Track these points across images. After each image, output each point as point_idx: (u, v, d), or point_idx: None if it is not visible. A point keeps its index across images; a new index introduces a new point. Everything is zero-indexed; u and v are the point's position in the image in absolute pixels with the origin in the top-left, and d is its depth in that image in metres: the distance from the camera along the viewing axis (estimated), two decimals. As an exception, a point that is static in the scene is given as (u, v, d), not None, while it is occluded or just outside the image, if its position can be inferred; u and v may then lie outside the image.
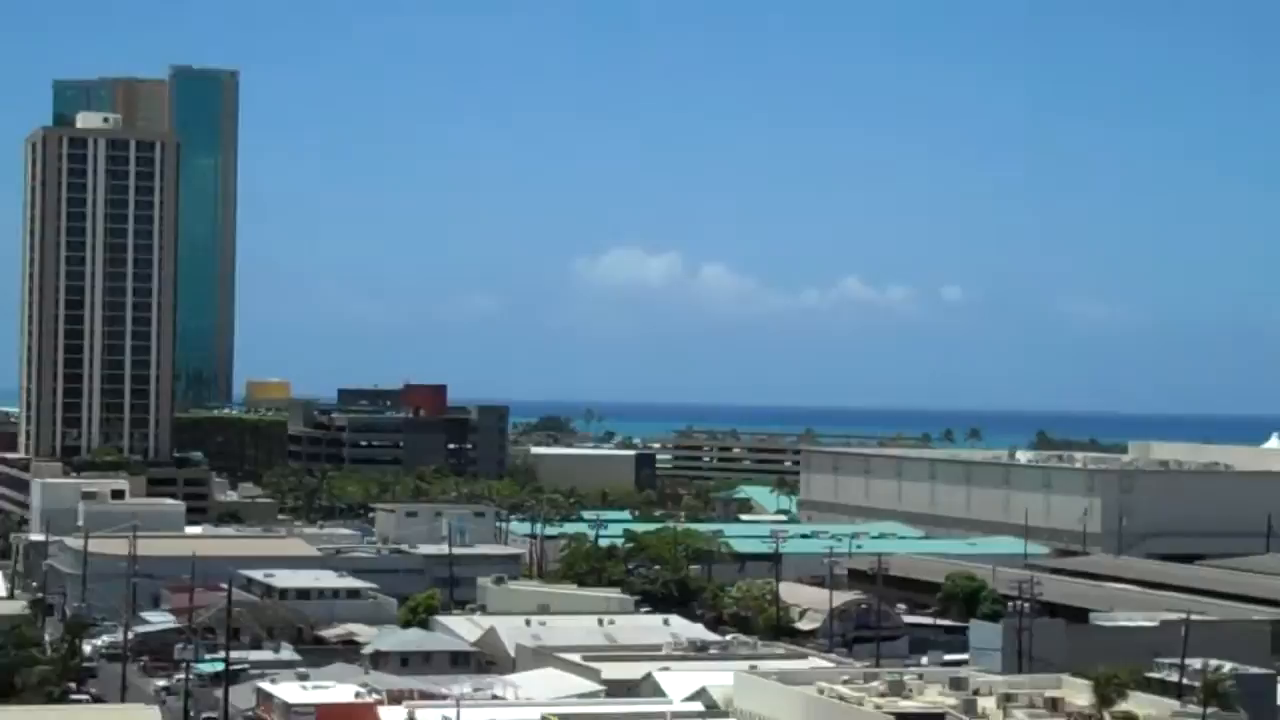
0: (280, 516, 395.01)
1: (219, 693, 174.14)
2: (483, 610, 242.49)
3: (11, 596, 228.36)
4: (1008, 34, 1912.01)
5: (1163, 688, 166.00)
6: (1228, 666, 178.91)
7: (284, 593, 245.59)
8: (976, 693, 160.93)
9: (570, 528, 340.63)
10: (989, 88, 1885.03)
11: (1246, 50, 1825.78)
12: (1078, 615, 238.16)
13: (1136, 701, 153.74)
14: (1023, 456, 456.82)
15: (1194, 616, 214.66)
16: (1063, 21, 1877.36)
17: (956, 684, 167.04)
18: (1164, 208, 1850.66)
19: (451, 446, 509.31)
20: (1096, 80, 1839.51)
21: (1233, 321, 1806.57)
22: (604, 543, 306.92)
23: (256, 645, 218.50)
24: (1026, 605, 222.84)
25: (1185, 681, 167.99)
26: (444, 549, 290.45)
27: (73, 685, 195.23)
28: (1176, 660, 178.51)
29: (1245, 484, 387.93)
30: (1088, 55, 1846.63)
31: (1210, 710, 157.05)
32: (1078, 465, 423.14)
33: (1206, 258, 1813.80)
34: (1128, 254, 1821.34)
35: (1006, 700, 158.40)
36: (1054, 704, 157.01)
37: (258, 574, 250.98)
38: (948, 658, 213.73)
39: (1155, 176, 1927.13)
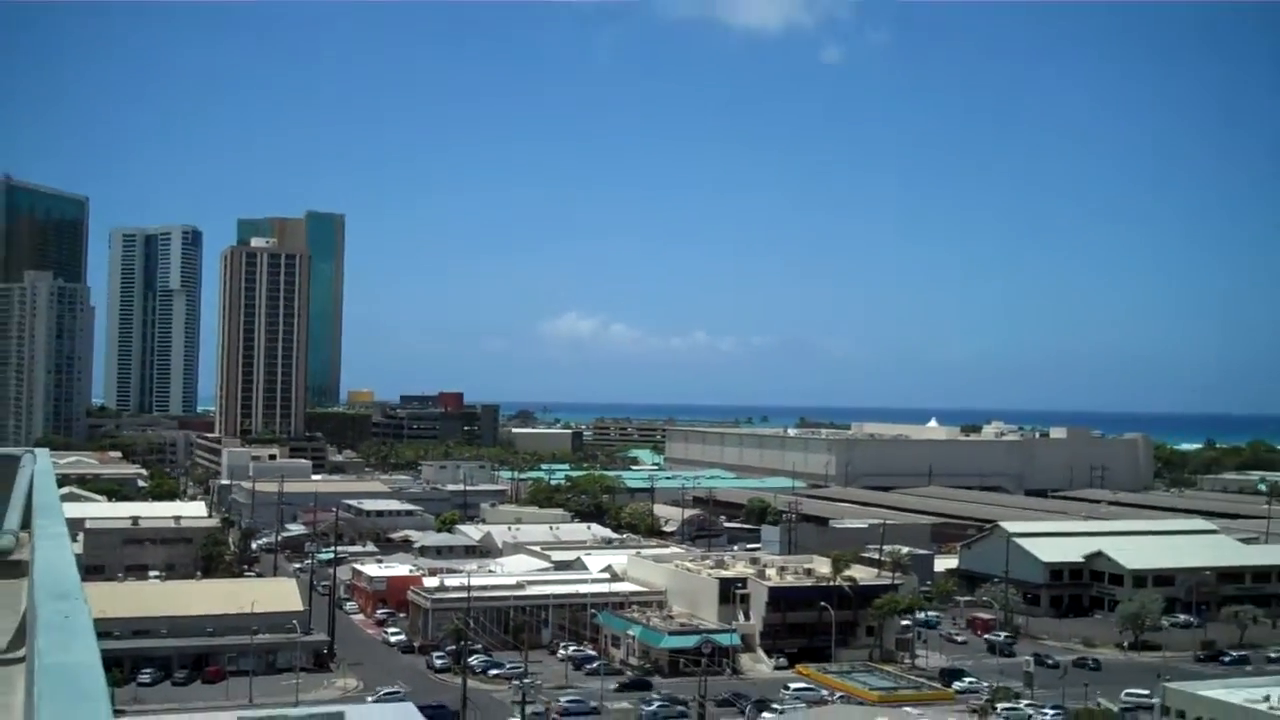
0: (366, 470, 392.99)
1: (330, 570, 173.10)
2: (483, 522, 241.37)
3: (210, 516, 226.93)
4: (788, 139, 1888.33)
5: (871, 562, 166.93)
6: (905, 549, 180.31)
7: (368, 513, 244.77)
8: (765, 565, 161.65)
9: (534, 474, 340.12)
10: (765, 194, 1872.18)
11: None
12: (822, 521, 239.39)
13: (856, 570, 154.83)
14: (792, 432, 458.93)
15: (887, 521, 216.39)
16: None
17: (754, 561, 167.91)
18: (874, 278, 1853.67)
19: (466, 428, 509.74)
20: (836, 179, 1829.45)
21: (914, 352, 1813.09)
22: (554, 482, 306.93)
23: (352, 543, 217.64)
24: (793, 515, 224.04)
25: (882, 558, 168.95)
26: (461, 487, 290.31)
27: (245, 567, 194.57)
28: (878, 546, 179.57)
29: (916, 445, 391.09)
30: (841, 151, 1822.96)
31: (896, 574, 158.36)
32: (823, 436, 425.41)
33: (894, 311, 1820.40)
34: (863, 309, 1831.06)
35: (781, 569, 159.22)
36: (809, 572, 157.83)
37: (353, 502, 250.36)
38: (749, 546, 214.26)
39: (871, 264, 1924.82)
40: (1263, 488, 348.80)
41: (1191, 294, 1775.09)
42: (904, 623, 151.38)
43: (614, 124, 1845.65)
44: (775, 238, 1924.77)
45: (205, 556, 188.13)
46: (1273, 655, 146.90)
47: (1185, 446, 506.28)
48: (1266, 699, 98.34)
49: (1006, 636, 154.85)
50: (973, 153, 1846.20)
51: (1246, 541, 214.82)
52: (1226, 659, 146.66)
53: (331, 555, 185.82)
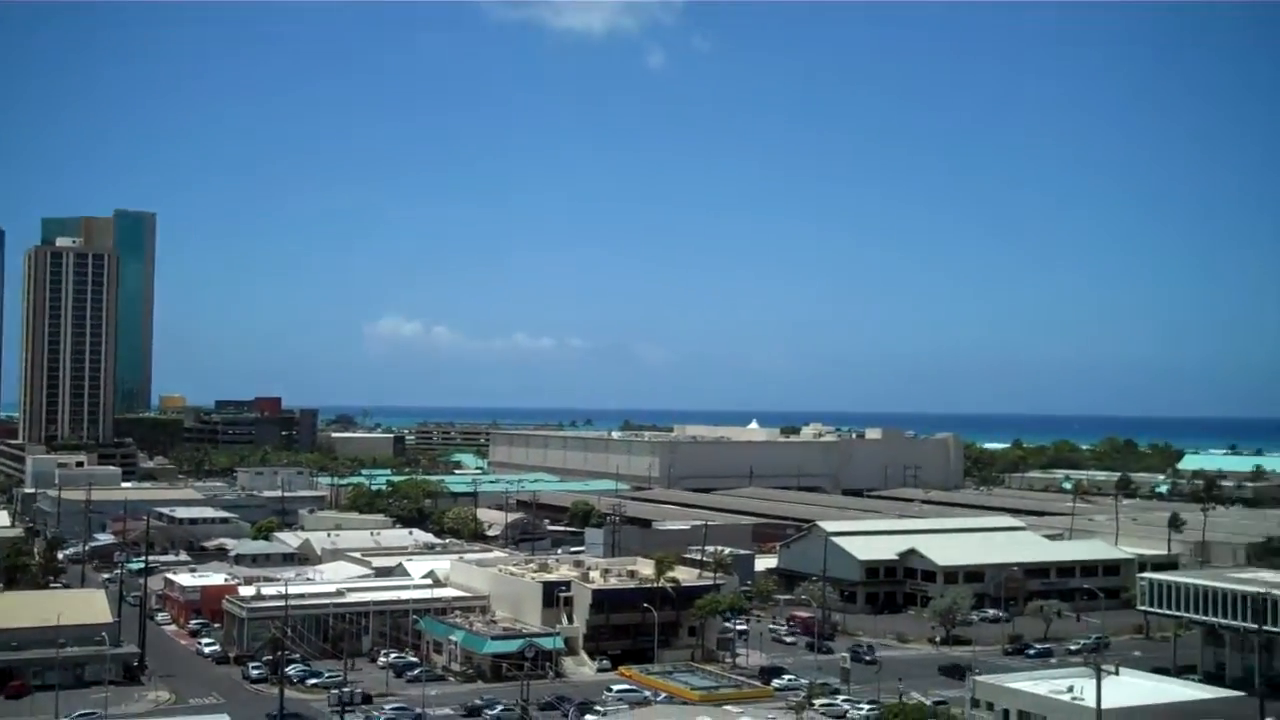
0: (179, 477, 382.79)
1: (141, 580, 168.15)
2: (302, 529, 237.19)
3: (13, 525, 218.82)
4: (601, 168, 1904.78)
5: (693, 563, 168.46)
6: (727, 550, 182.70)
7: (181, 521, 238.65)
8: (589, 568, 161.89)
9: (354, 480, 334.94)
10: (583, 197, 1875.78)
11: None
12: (646, 523, 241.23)
13: (678, 571, 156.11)
14: (616, 435, 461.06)
15: (709, 523, 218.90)
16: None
17: (578, 564, 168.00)
18: (693, 286, 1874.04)
19: (284, 434, 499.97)
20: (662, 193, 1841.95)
21: (731, 356, 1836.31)
22: (375, 488, 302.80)
23: (164, 552, 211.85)
24: (617, 518, 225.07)
25: (704, 559, 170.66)
26: (279, 494, 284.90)
27: (51, 578, 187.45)
28: (700, 546, 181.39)
29: (737, 447, 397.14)
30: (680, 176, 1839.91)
31: (717, 575, 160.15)
32: (646, 439, 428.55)
33: (708, 319, 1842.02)
34: (675, 315, 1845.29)
35: (605, 572, 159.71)
36: (632, 574, 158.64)
37: (166, 510, 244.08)
38: (573, 549, 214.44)
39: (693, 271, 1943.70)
40: (1067, 485, 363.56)
41: (999, 297, 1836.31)
42: (740, 627, 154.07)
43: (436, 124, 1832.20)
44: (592, 240, 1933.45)
45: (8, 567, 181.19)
46: (1074, 648, 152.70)
47: (993, 446, 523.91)
48: (1070, 690, 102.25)
49: (827, 634, 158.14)
50: (787, 155, 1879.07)
51: (1052, 538, 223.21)
52: (1032, 652, 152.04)
53: (142, 565, 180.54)
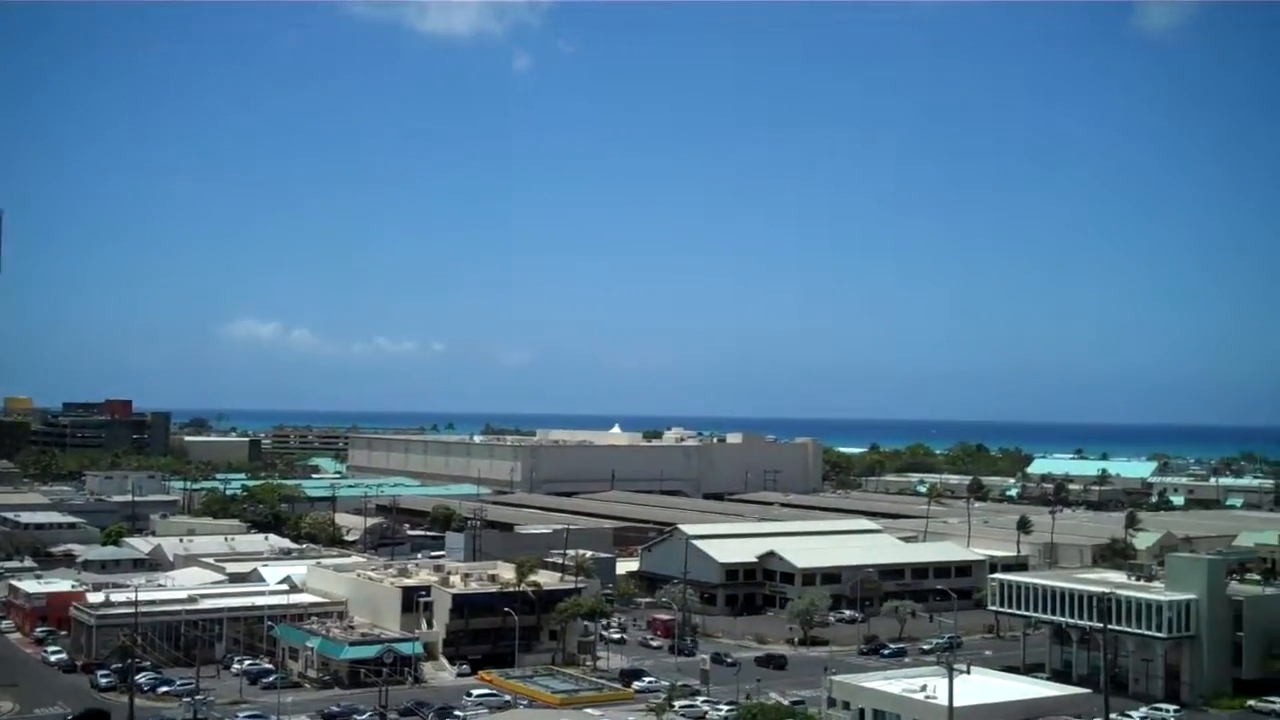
0: (24, 480, 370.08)
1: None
2: (154, 534, 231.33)
3: None
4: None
5: (554, 567, 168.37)
6: (588, 553, 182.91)
7: (26, 526, 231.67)
8: (449, 573, 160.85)
9: (208, 484, 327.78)
10: (442, 198, 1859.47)
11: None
12: (507, 527, 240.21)
13: (540, 575, 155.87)
14: (477, 438, 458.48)
15: (571, 526, 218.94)
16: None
17: (438, 568, 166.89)
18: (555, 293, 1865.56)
19: (135, 437, 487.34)
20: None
21: (592, 361, 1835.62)
22: (229, 492, 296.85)
23: (8, 558, 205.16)
24: (478, 522, 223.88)
25: (566, 563, 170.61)
26: (130, 498, 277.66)
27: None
28: (561, 550, 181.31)
29: (599, 451, 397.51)
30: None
31: (579, 578, 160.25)
32: (508, 442, 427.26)
33: (569, 321, 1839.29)
34: (536, 316, 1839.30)
35: (466, 576, 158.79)
36: (493, 578, 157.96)
37: (10, 514, 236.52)
38: (434, 554, 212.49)
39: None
40: (921, 489, 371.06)
41: (856, 306, 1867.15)
42: (615, 635, 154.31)
43: (291, 122, 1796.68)
44: (453, 241, 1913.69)
45: None
46: (927, 647, 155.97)
47: (851, 450, 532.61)
48: (923, 688, 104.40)
49: (691, 638, 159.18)
50: (647, 156, 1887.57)
51: (906, 540, 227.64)
52: (887, 651, 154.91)
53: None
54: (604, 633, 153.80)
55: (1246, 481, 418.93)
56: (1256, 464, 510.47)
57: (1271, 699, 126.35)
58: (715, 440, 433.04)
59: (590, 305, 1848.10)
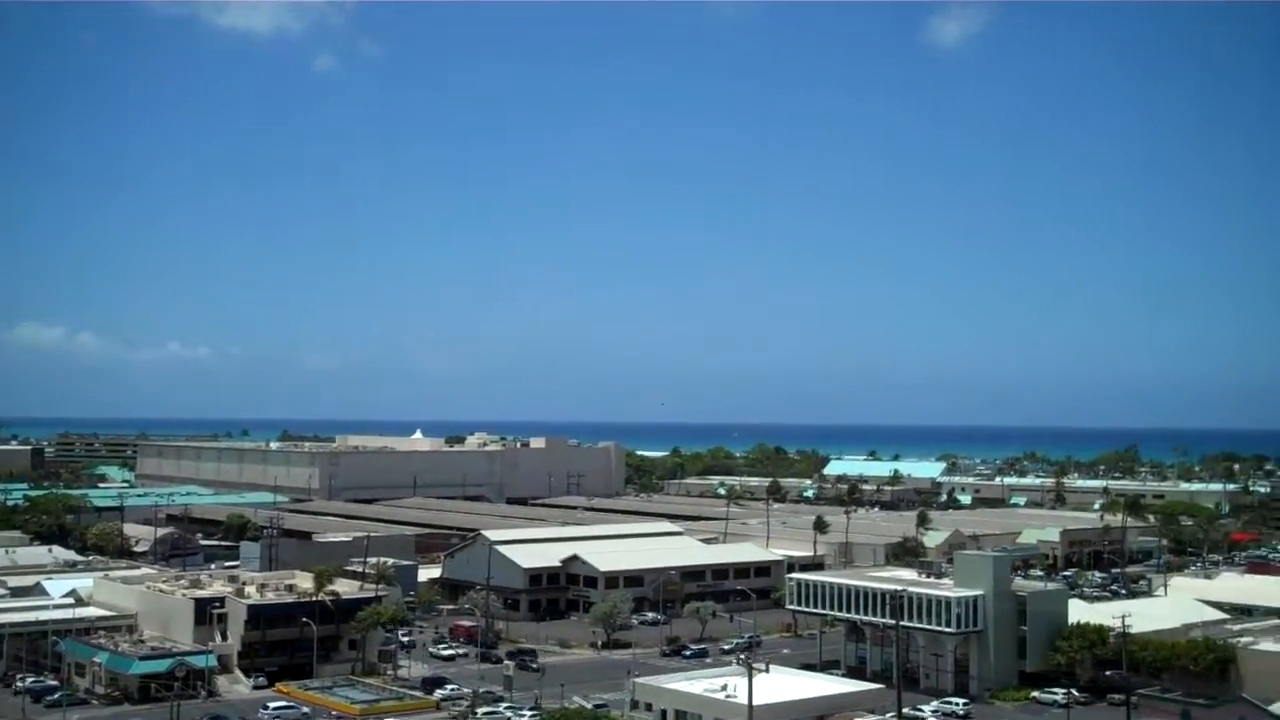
0: None
1: None
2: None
3: None
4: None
5: (354, 575, 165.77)
6: (390, 561, 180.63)
7: None
8: (244, 583, 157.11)
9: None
10: (229, 200, 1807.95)
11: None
12: (306, 536, 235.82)
13: (339, 584, 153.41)
14: (274, 445, 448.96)
15: (371, 534, 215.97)
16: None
17: (233, 579, 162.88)
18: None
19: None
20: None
21: (394, 365, 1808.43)
22: (10, 503, 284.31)
23: None
24: (274, 531, 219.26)
25: (366, 571, 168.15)
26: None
27: None
28: (362, 558, 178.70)
29: (401, 457, 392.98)
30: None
31: (379, 586, 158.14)
32: (306, 449, 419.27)
33: (372, 326, 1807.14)
34: (339, 322, 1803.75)
35: (262, 586, 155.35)
36: (290, 588, 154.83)
37: None
38: (228, 564, 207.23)
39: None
40: (721, 491, 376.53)
41: (658, 310, 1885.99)
42: (407, 638, 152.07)
43: (81, 118, 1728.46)
44: (251, 244, 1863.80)
45: None
46: (727, 647, 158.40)
47: (653, 454, 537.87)
48: (724, 688, 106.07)
49: (490, 642, 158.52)
50: (452, 161, 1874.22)
51: (707, 541, 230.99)
52: (688, 652, 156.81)
53: None
54: (434, 648, 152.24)
55: (1029, 481, 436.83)
56: (1039, 464, 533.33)
57: (1053, 690, 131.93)
58: (518, 445, 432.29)
59: (395, 310, 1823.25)
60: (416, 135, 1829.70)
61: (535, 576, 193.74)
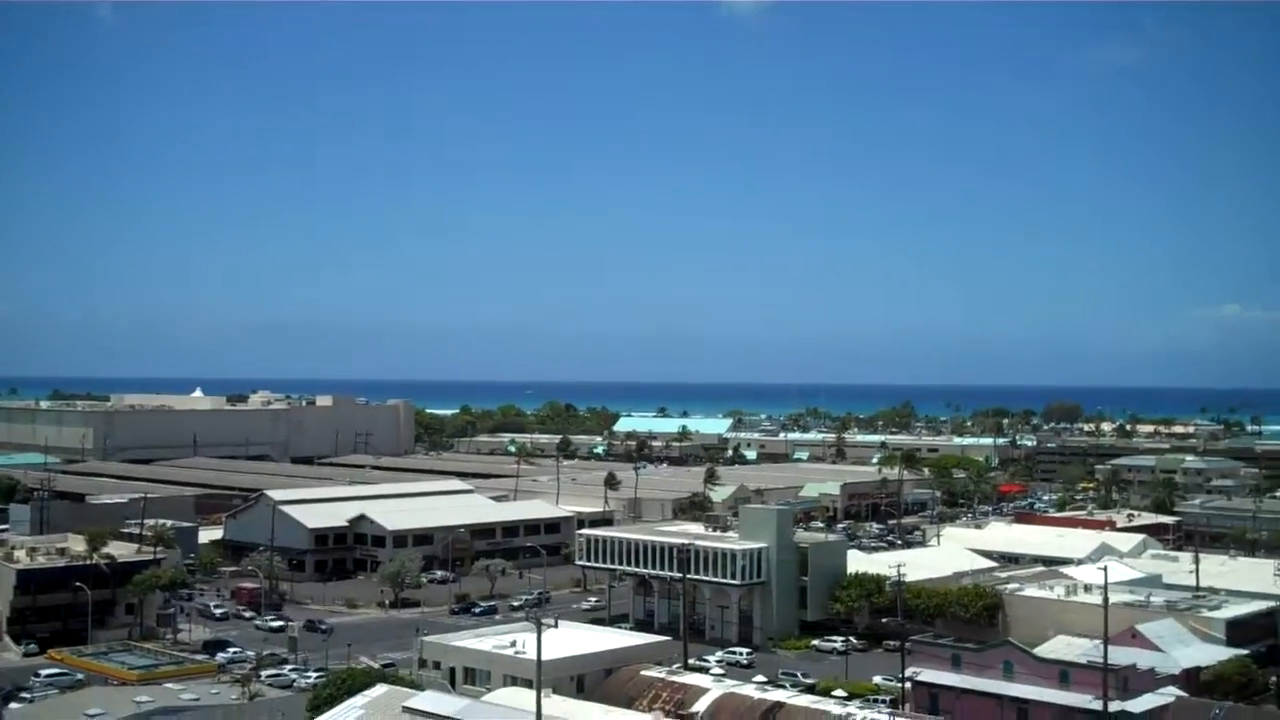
0: None
1: None
2: None
3: None
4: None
5: (131, 538, 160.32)
6: (168, 523, 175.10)
7: None
8: (14, 547, 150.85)
9: None
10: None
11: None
12: (79, 498, 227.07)
13: (114, 547, 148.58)
14: (45, 404, 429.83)
15: (149, 495, 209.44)
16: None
17: (1, 543, 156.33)
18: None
19: None
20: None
21: (166, 320, 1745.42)
22: None
23: None
24: (45, 493, 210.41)
25: (143, 533, 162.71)
26: None
27: None
28: (138, 520, 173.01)
29: (180, 416, 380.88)
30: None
31: (157, 549, 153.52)
32: (79, 408, 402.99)
33: (150, 276, 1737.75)
34: (109, 273, 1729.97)
35: (32, 550, 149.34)
36: (63, 551, 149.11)
37: None
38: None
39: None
40: (512, 448, 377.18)
41: (448, 265, 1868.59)
42: (217, 606, 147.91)
43: None
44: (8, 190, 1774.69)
45: None
46: (517, 603, 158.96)
47: (442, 412, 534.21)
48: (513, 644, 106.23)
49: (275, 603, 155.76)
50: (237, 118, 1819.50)
51: (498, 499, 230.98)
52: (478, 610, 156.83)
53: None
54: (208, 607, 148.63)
55: (812, 436, 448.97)
56: (821, 420, 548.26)
57: (832, 638, 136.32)
58: (304, 403, 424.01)
59: (174, 259, 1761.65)
60: (183, 87, 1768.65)
61: (321, 536, 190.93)
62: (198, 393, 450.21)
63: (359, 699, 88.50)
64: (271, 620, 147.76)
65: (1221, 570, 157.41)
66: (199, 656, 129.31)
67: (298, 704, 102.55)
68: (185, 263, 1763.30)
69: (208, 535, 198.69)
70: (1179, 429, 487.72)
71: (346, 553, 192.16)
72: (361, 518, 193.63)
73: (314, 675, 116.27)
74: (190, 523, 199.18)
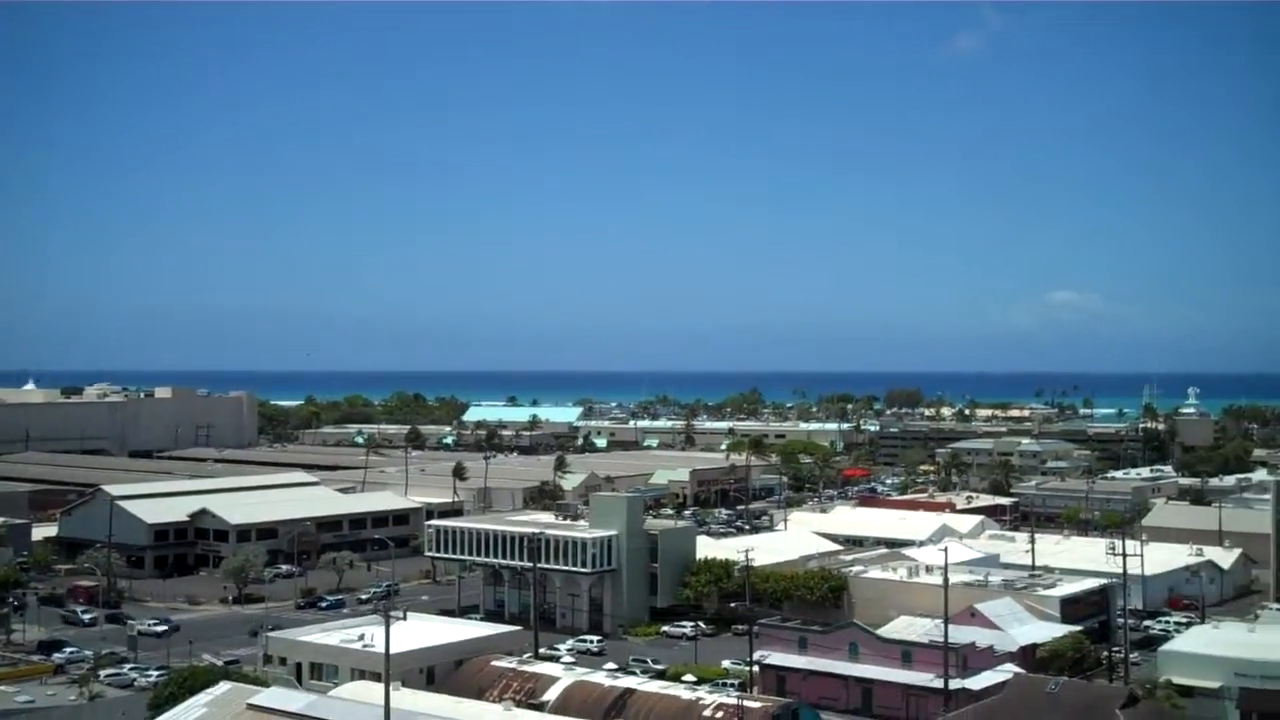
0: None
1: None
2: None
3: None
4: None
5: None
6: (0, 519, 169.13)
7: None
8: None
9: None
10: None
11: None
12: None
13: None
14: None
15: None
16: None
17: None
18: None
19: None
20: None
21: None
22: None
23: None
24: None
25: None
26: None
27: None
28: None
29: (11, 410, 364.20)
30: None
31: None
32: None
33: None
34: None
35: None
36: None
37: None
38: None
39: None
40: (359, 439, 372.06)
41: (291, 250, 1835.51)
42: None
43: None
44: None
45: None
46: (365, 597, 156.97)
47: (286, 403, 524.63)
48: (361, 638, 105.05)
49: (113, 602, 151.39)
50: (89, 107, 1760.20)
51: (345, 491, 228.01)
52: (324, 604, 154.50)
53: None
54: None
55: (662, 424, 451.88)
56: (670, 407, 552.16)
57: (682, 623, 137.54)
58: (142, 395, 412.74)
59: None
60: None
61: (161, 532, 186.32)
62: (30, 385, 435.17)
63: (201, 697, 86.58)
64: (153, 624, 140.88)
65: (1056, 549, 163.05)
66: (34, 657, 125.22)
67: (138, 704, 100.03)
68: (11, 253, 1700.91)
69: (42, 532, 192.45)
70: (1015, 413, 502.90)
71: (188, 548, 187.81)
72: (203, 512, 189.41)
73: (155, 673, 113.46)
74: (23, 519, 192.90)
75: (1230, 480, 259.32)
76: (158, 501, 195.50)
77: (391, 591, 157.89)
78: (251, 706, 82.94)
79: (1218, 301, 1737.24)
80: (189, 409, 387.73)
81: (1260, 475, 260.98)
